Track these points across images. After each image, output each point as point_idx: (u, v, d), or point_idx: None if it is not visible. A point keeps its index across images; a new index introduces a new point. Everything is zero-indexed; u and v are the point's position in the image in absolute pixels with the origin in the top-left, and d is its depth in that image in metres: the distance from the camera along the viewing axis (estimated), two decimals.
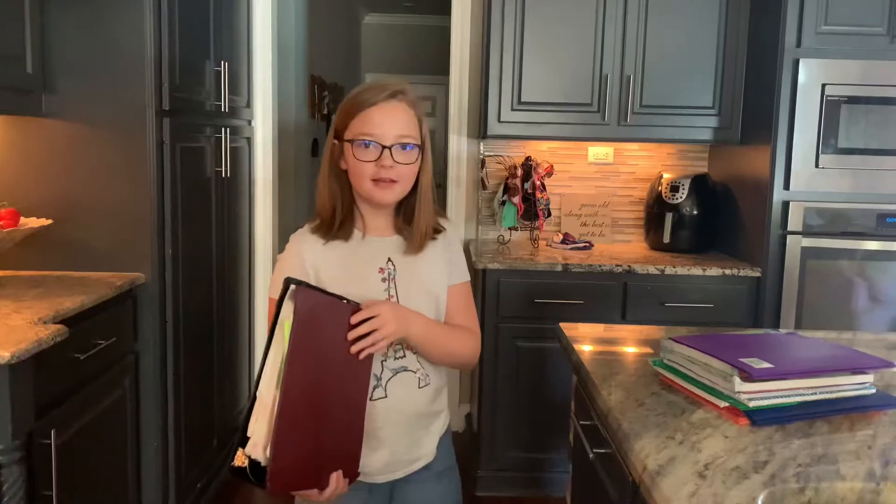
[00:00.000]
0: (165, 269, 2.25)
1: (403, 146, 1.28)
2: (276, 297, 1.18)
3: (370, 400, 1.27)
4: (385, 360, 1.31)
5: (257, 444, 1.12)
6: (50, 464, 1.64)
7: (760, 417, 1.16)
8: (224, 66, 2.66)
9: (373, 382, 1.29)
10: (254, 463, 1.13)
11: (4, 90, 1.97)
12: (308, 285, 1.17)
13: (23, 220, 2.05)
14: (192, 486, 2.50)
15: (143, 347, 2.21)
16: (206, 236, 2.62)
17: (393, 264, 1.33)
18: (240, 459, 1.14)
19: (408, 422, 1.33)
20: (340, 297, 1.20)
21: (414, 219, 1.34)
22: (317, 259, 1.31)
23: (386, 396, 1.30)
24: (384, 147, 1.26)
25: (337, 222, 1.31)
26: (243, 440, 1.14)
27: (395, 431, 1.32)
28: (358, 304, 1.22)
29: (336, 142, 1.32)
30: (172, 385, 2.30)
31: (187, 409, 2.41)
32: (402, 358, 1.32)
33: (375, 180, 1.28)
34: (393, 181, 1.28)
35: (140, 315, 2.20)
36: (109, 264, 2.18)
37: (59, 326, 1.61)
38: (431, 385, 1.35)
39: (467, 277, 1.43)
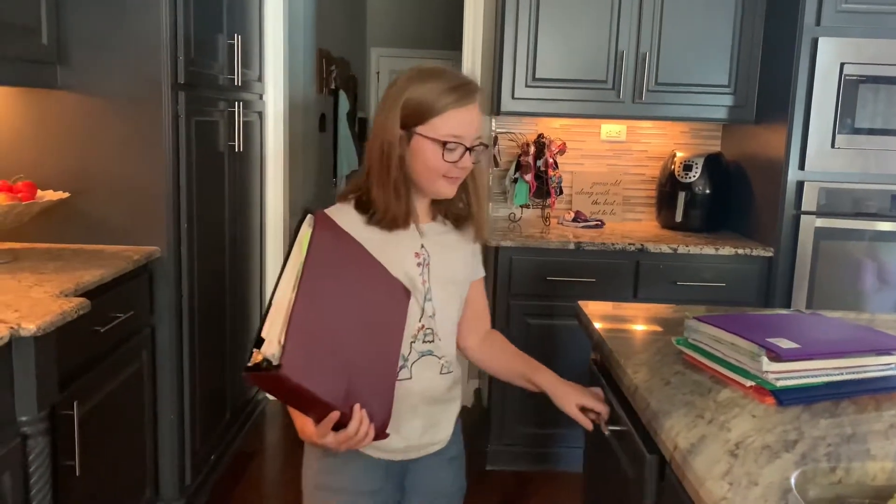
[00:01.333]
0: (181, 242, 2.25)
1: (478, 147, 1.28)
2: None
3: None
4: (414, 343, 1.31)
5: (272, 340, 1.06)
6: (72, 435, 1.66)
7: (787, 397, 1.17)
8: (237, 40, 2.63)
9: (399, 363, 1.29)
10: (268, 363, 1.05)
11: (20, 62, 1.95)
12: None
13: (40, 192, 2.04)
14: (206, 457, 2.52)
15: (159, 321, 2.22)
16: (220, 210, 2.62)
17: (427, 251, 1.32)
18: (255, 359, 1.06)
19: (428, 405, 1.35)
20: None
21: (474, 209, 1.36)
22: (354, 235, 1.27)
23: (411, 378, 1.31)
24: (466, 148, 1.26)
25: (401, 215, 1.26)
26: (258, 342, 1.07)
27: (414, 414, 1.33)
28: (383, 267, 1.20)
29: (402, 132, 1.25)
30: (188, 358, 2.32)
31: (202, 381, 2.43)
32: (430, 343, 1.33)
33: (447, 178, 1.28)
34: (460, 177, 1.30)
35: (156, 288, 2.20)
36: (125, 238, 2.18)
37: (82, 300, 1.61)
38: (452, 373, 1.38)
39: (484, 272, 1.48)
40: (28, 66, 2.00)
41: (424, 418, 1.35)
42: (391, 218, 1.26)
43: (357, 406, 1.12)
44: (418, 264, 1.31)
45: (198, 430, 2.41)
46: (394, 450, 1.33)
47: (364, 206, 1.29)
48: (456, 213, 1.37)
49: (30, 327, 1.41)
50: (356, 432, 1.12)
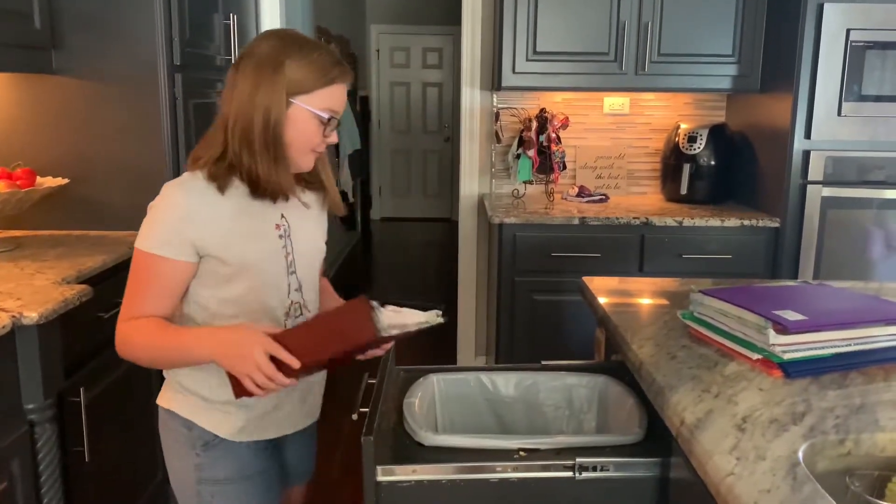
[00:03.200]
0: None
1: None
2: (158, 253, 1.18)
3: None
4: (287, 320, 1.31)
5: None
6: (80, 421, 1.67)
7: (794, 370, 1.16)
8: (233, 19, 2.60)
9: None
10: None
11: (13, 47, 1.93)
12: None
13: (39, 179, 2.03)
14: None
15: None
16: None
17: (287, 221, 1.30)
18: None
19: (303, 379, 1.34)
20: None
21: (325, 179, 1.36)
22: (209, 215, 1.20)
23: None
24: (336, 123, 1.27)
25: (287, 185, 1.23)
26: None
27: (292, 388, 1.30)
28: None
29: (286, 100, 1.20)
30: None
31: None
32: (299, 316, 1.33)
33: (314, 150, 1.27)
34: (323, 151, 1.29)
35: None
36: (126, 223, 2.17)
37: (84, 286, 1.61)
38: None
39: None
40: (22, 51, 1.97)
41: (301, 392, 1.36)
42: (275, 189, 1.22)
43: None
44: (280, 236, 1.29)
45: None
46: (275, 425, 1.34)
47: (218, 177, 1.21)
48: (307, 179, 1.35)
49: (32, 315, 1.41)
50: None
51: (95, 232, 2.15)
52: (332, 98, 1.23)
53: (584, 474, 1.19)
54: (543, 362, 1.57)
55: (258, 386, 1.13)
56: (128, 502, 2.01)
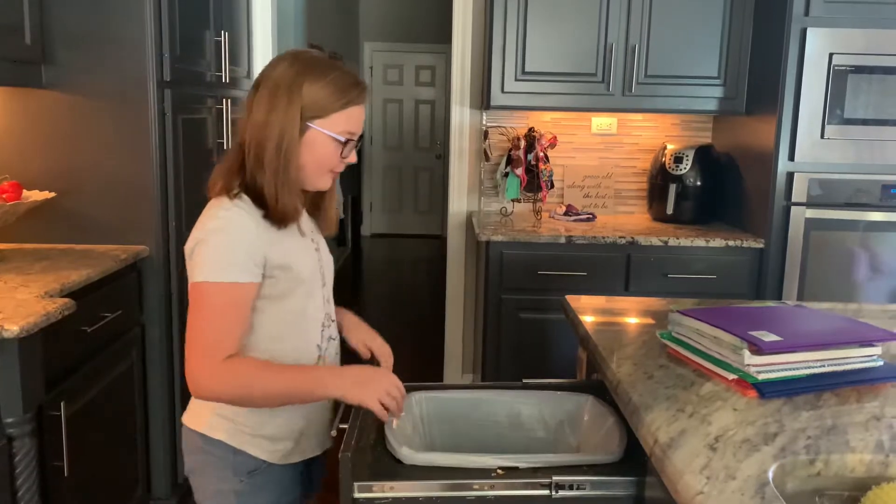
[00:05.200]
0: (169, 241, 2.25)
1: (358, 143, 1.30)
2: (236, 280, 1.15)
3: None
4: (324, 330, 1.34)
5: None
6: (60, 435, 1.66)
7: (769, 390, 1.17)
8: (224, 36, 2.62)
9: (316, 353, 1.32)
10: None
11: (3, 61, 1.94)
12: None
13: (25, 192, 2.03)
14: None
15: (149, 319, 2.21)
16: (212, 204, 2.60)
17: (313, 239, 1.34)
18: None
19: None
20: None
21: (326, 202, 1.36)
22: (268, 247, 1.20)
23: (325, 363, 1.35)
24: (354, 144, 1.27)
25: (295, 210, 1.22)
26: None
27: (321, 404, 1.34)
28: None
29: (301, 123, 1.20)
30: (178, 356, 2.31)
31: None
32: (329, 327, 1.36)
33: (331, 171, 1.28)
34: (340, 171, 1.30)
35: (145, 287, 2.20)
36: (113, 237, 2.18)
37: (66, 300, 1.61)
38: (339, 353, 1.42)
39: None
40: (12, 65, 1.99)
41: (324, 407, 1.37)
42: (283, 213, 1.20)
43: None
44: (315, 250, 1.33)
45: None
46: (312, 445, 1.35)
47: (257, 201, 1.20)
48: (315, 204, 1.36)
49: (12, 329, 1.41)
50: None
51: (81, 246, 2.15)
52: (350, 120, 1.23)
53: (561, 493, 1.19)
54: (525, 381, 1.57)
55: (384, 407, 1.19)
56: None
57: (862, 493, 0.95)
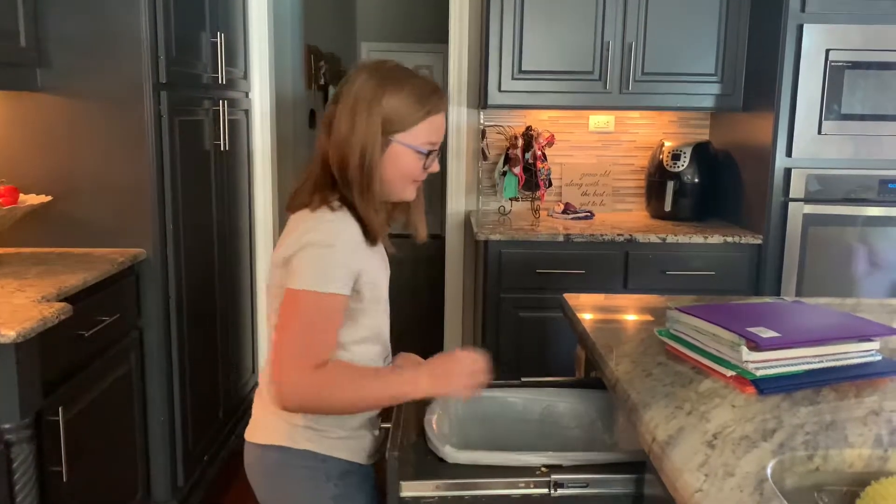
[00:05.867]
0: (167, 244, 2.24)
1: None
2: (336, 291, 1.15)
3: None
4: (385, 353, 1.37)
5: None
6: (59, 440, 1.66)
7: (767, 386, 1.17)
8: (220, 38, 2.62)
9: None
10: None
11: None
12: None
13: (22, 196, 2.03)
14: (199, 458, 2.52)
15: (147, 323, 2.21)
16: (207, 210, 2.61)
17: (384, 259, 1.35)
18: None
19: None
20: None
21: (416, 213, 1.36)
22: (362, 262, 1.21)
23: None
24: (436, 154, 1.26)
25: (382, 228, 1.25)
26: None
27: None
28: None
29: (383, 137, 1.20)
30: (177, 359, 2.31)
31: (192, 382, 2.43)
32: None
33: (414, 181, 1.27)
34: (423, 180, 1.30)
35: (143, 291, 2.20)
36: (110, 240, 2.17)
37: (63, 304, 1.61)
38: None
39: None
40: (7, 68, 1.98)
41: None
42: (375, 230, 1.22)
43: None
44: (386, 267, 1.34)
45: (190, 431, 2.41)
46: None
47: (355, 216, 1.21)
48: (397, 215, 1.36)
49: (9, 334, 1.41)
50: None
51: (79, 250, 2.15)
52: (431, 130, 1.23)
53: (560, 491, 1.19)
54: (523, 379, 1.57)
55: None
56: None
57: (861, 488, 0.95)
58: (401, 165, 1.22)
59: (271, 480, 1.27)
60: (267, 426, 1.27)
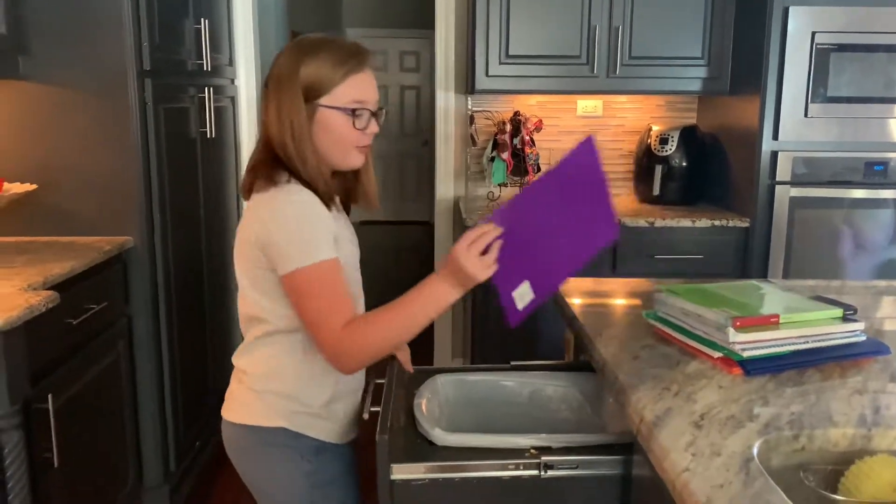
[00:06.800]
0: (154, 231, 2.23)
1: (380, 112, 1.27)
2: (327, 257, 1.16)
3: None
4: None
5: None
6: (49, 428, 1.65)
7: (754, 367, 1.18)
8: (204, 24, 2.59)
9: None
10: None
11: None
12: None
13: (6, 185, 2.01)
14: (190, 444, 2.52)
15: (136, 311, 2.20)
16: (194, 197, 2.59)
17: (348, 223, 1.35)
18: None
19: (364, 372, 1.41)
20: None
21: (363, 178, 1.33)
22: (333, 226, 1.22)
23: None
24: (371, 113, 1.24)
25: (331, 191, 1.25)
26: None
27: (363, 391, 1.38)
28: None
29: (308, 106, 1.21)
30: (167, 346, 2.31)
31: (182, 369, 2.42)
32: None
33: (358, 147, 1.25)
34: (368, 145, 1.28)
35: (131, 279, 2.18)
36: (97, 229, 2.16)
37: (50, 293, 1.60)
38: None
39: None
40: None
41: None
42: (323, 195, 1.21)
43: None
44: (352, 234, 1.34)
45: (181, 417, 2.41)
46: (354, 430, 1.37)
47: (321, 197, 1.22)
48: (346, 186, 1.34)
49: None
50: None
51: (65, 238, 2.13)
52: (355, 89, 1.21)
53: (550, 472, 1.20)
54: (513, 363, 1.58)
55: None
56: None
57: (845, 467, 0.96)
58: (331, 129, 1.22)
59: (248, 457, 1.31)
60: (243, 404, 1.30)
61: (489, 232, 1.15)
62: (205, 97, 2.63)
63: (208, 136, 2.67)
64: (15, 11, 2.02)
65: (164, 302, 2.29)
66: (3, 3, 1.97)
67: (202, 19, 2.58)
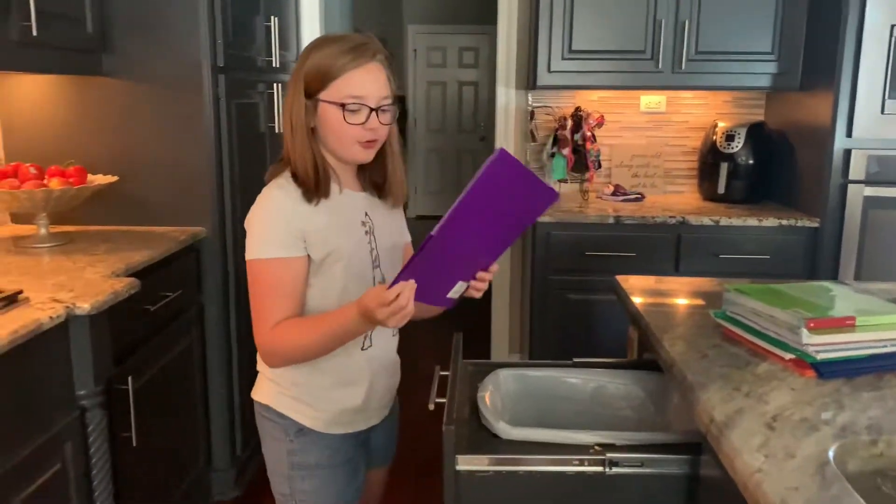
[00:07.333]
0: (225, 222, 2.31)
1: (387, 107, 1.27)
2: (277, 256, 1.22)
3: (361, 350, 1.34)
4: None
5: None
6: (128, 408, 1.74)
7: (828, 370, 1.16)
8: (273, 22, 2.66)
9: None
10: None
11: (66, 50, 2.02)
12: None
13: (90, 177, 2.12)
14: (256, 430, 2.60)
15: (208, 299, 2.29)
16: (262, 190, 2.66)
17: (370, 219, 1.34)
18: None
19: (387, 369, 1.42)
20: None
21: (388, 174, 1.35)
22: (304, 223, 1.25)
23: (372, 346, 1.37)
24: (371, 109, 1.24)
25: (321, 184, 1.26)
26: None
27: (379, 379, 1.39)
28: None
29: (307, 102, 1.24)
30: (236, 333, 2.39)
31: (251, 356, 2.50)
32: None
33: (360, 142, 1.26)
34: (375, 141, 1.28)
35: (203, 267, 2.27)
36: (172, 219, 2.25)
37: (132, 279, 1.68)
38: (396, 335, 1.44)
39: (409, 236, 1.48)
40: (74, 54, 2.06)
41: (385, 382, 1.42)
42: (308, 189, 1.25)
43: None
44: (365, 233, 1.33)
45: (248, 402, 2.49)
46: (364, 418, 1.40)
47: (306, 193, 1.26)
48: (374, 181, 1.36)
49: (84, 306, 1.48)
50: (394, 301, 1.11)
51: (142, 228, 2.23)
52: (351, 85, 1.22)
53: (615, 469, 1.20)
54: (575, 360, 1.59)
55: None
56: (172, 487, 2.08)
57: None
58: (329, 123, 1.24)
59: (259, 428, 1.42)
60: (258, 384, 1.41)
61: (402, 293, 1.11)
62: (273, 93, 2.70)
63: (276, 130, 2.75)
64: (100, 12, 2.13)
65: (234, 290, 2.37)
66: (89, 4, 2.07)
67: (272, 17, 2.66)
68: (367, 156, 1.29)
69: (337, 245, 1.27)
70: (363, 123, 1.24)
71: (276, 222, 1.24)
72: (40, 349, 1.40)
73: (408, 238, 1.46)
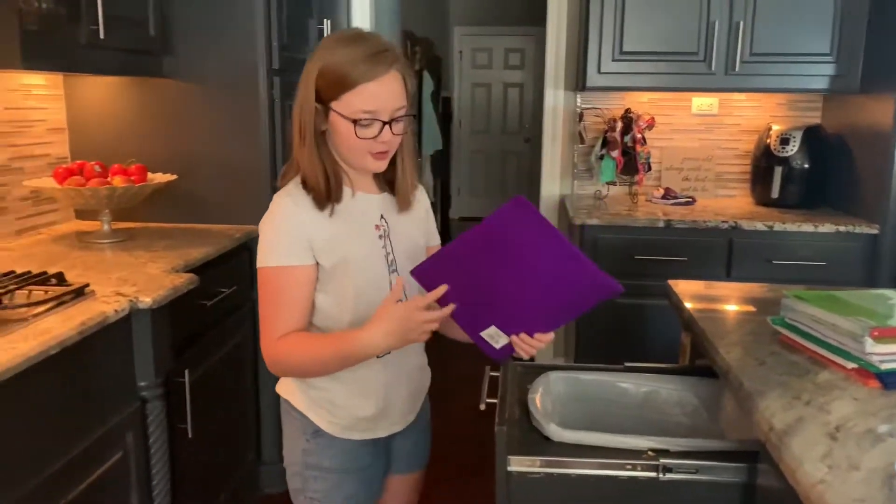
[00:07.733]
0: None
1: (400, 117, 1.22)
2: (285, 264, 1.20)
3: (377, 356, 1.28)
4: None
5: None
6: (185, 400, 1.79)
7: (893, 381, 1.13)
8: (326, 24, 2.70)
9: None
10: None
11: (130, 52, 2.09)
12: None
13: (150, 175, 2.19)
14: None
15: None
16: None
17: (386, 222, 1.31)
18: None
19: (410, 376, 1.38)
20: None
21: (398, 177, 1.31)
22: (312, 231, 1.23)
23: (389, 352, 1.31)
24: (384, 123, 1.20)
25: (332, 191, 1.23)
26: None
27: (398, 386, 1.36)
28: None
29: (318, 106, 1.20)
30: None
31: None
32: None
33: (372, 153, 1.23)
34: (387, 152, 1.24)
35: (255, 265, 2.31)
36: (227, 217, 2.31)
37: (191, 275, 1.73)
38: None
39: (439, 239, 1.45)
40: (137, 56, 2.13)
41: (409, 389, 1.39)
42: (320, 195, 1.22)
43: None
44: (380, 237, 1.29)
45: None
46: (385, 425, 1.37)
47: (317, 200, 1.23)
48: (388, 180, 1.32)
49: (146, 300, 1.53)
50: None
51: (200, 225, 2.30)
52: (363, 99, 1.17)
53: (668, 475, 1.19)
54: (627, 364, 1.58)
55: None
56: (223, 479, 2.14)
57: None
58: (341, 135, 1.20)
59: (282, 421, 1.42)
60: (282, 378, 1.40)
61: (434, 294, 1.14)
62: None
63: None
64: (161, 15, 2.19)
65: None
66: (151, 8, 2.14)
67: (325, 20, 2.70)
68: (380, 166, 1.26)
69: (348, 252, 1.25)
70: (375, 137, 1.20)
71: (283, 231, 1.23)
72: (105, 341, 1.46)
73: (435, 241, 1.42)
